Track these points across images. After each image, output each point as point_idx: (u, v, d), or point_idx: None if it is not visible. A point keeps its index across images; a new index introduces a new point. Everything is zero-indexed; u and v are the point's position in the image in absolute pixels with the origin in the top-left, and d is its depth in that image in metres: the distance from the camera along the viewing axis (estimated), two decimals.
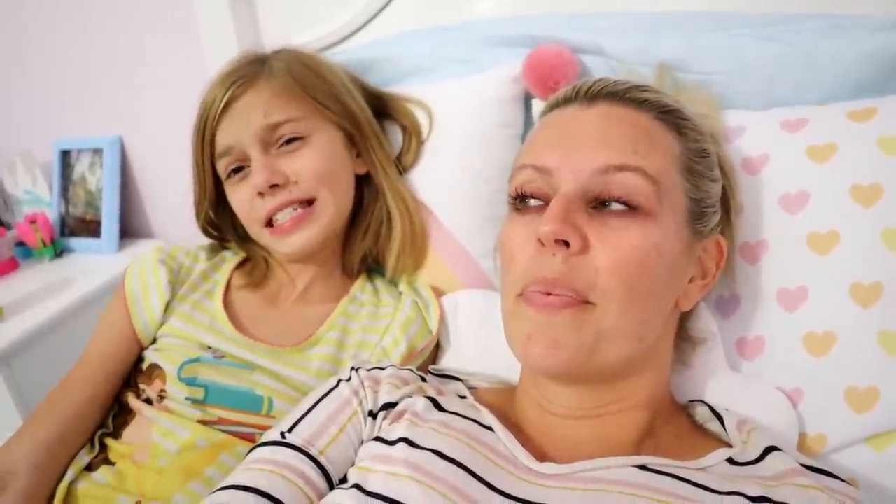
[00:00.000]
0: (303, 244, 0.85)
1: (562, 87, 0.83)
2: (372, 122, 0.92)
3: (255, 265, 0.92)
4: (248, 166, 0.83)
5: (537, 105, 0.91)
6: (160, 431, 0.76)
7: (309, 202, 0.84)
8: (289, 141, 0.83)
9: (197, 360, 0.79)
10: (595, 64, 0.88)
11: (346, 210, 0.90)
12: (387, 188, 0.92)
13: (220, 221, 0.94)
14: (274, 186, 0.82)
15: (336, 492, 0.56)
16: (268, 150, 0.82)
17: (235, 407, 0.77)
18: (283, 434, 0.62)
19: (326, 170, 0.84)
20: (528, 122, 0.93)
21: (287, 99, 0.83)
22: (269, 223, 0.85)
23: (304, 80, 0.85)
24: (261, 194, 0.82)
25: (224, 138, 0.83)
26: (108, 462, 0.77)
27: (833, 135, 0.70)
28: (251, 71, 0.84)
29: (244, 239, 0.93)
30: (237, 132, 0.82)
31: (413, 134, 0.94)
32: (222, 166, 0.85)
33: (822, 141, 0.70)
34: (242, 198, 0.84)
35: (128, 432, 0.79)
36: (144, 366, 0.82)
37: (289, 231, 0.84)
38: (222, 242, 0.97)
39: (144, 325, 0.83)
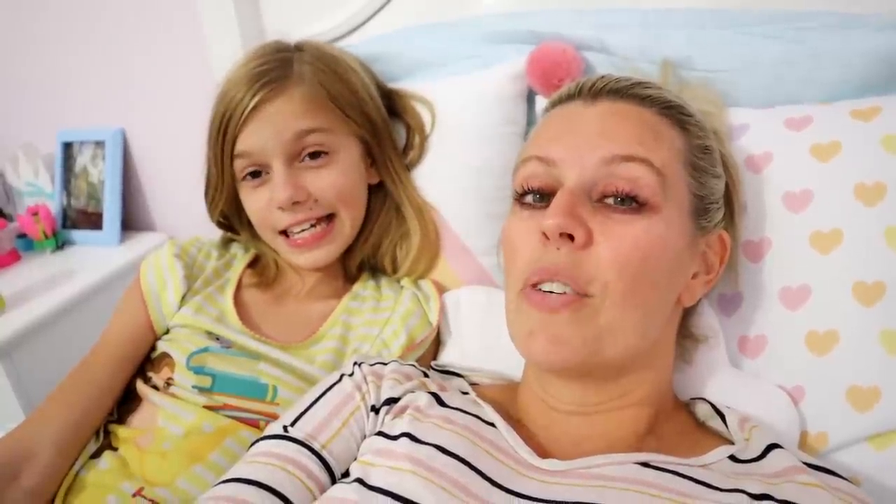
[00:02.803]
0: (322, 259, 0.86)
1: (565, 84, 0.83)
2: (390, 132, 0.92)
3: (266, 266, 0.92)
4: (267, 173, 0.83)
5: (540, 102, 0.91)
6: (165, 416, 0.77)
7: (327, 217, 0.85)
8: (313, 155, 0.83)
9: (206, 349, 0.80)
10: (599, 61, 0.87)
11: (360, 222, 0.91)
12: (404, 198, 0.92)
13: (232, 217, 0.94)
14: (295, 203, 0.82)
15: (338, 486, 0.56)
16: (292, 162, 0.82)
17: (240, 394, 0.78)
18: (285, 428, 0.62)
19: (348, 189, 0.85)
20: (530, 119, 0.93)
21: (315, 108, 0.82)
22: (284, 232, 0.85)
23: (333, 89, 0.84)
24: (281, 208, 0.82)
25: (248, 142, 0.81)
26: (111, 448, 0.77)
27: (837, 133, 0.70)
28: (280, 74, 0.82)
29: (256, 235, 0.93)
30: (263, 139, 0.81)
31: (417, 132, 0.94)
32: (238, 166, 0.84)
33: (826, 139, 0.70)
34: (258, 205, 0.85)
35: (131, 418, 0.80)
36: (154, 355, 0.83)
37: (308, 247, 0.85)
38: (233, 234, 0.97)
39: (161, 317, 0.84)
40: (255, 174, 0.84)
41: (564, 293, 0.55)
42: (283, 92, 0.81)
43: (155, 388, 0.80)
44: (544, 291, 0.56)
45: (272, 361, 0.81)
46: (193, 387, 0.77)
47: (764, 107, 0.77)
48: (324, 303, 0.90)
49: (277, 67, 0.83)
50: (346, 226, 0.87)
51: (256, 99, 0.79)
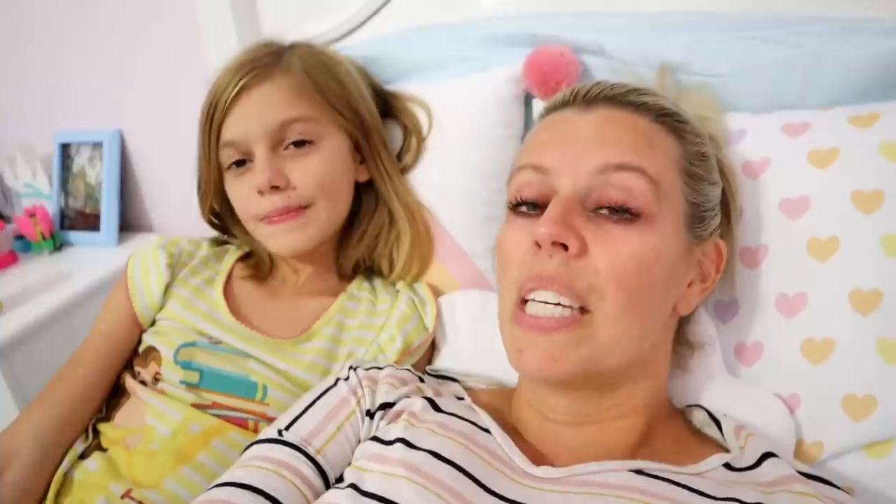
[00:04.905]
0: (298, 244, 0.84)
1: (563, 87, 0.83)
2: (380, 130, 0.91)
3: (260, 260, 0.92)
4: (251, 161, 0.82)
5: (538, 105, 0.90)
6: (154, 414, 0.76)
7: (304, 207, 0.84)
8: (297, 143, 0.82)
9: (193, 344, 0.80)
10: (596, 64, 0.87)
11: (341, 218, 0.89)
12: (394, 197, 0.91)
13: (224, 214, 0.93)
14: (274, 188, 0.81)
15: (332, 491, 0.56)
16: (275, 149, 0.81)
17: (229, 392, 0.78)
18: (280, 432, 0.62)
19: (329, 180, 0.84)
20: (528, 122, 0.93)
21: (301, 98, 0.82)
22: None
23: (320, 80, 0.84)
24: (260, 192, 0.81)
25: (232, 129, 0.81)
26: (100, 448, 0.77)
27: (835, 140, 0.69)
28: (268, 62, 0.82)
29: (248, 232, 0.92)
30: (246, 125, 0.80)
31: (414, 134, 0.94)
32: (225, 157, 0.84)
33: (824, 146, 0.70)
34: (241, 193, 0.84)
35: (120, 415, 0.80)
36: (141, 348, 0.83)
37: (281, 223, 0.83)
38: (227, 235, 0.96)
39: (144, 308, 0.84)
40: (240, 163, 0.83)
41: (559, 304, 0.55)
42: (269, 79, 0.81)
43: (143, 383, 0.80)
44: (537, 306, 0.56)
45: (262, 362, 0.81)
46: (181, 382, 0.77)
47: (762, 112, 0.77)
48: (318, 300, 0.89)
49: (266, 56, 0.83)
50: (322, 215, 0.84)
51: (241, 83, 0.79)
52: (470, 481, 0.54)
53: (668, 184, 0.58)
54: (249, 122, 0.80)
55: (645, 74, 0.80)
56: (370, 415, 0.64)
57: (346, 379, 0.67)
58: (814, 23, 0.77)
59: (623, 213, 0.56)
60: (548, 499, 0.53)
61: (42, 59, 1.45)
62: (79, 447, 0.78)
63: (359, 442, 0.63)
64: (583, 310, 0.55)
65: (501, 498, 0.53)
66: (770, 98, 0.77)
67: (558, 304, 0.55)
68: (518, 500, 0.53)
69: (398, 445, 0.57)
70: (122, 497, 0.70)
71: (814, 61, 0.75)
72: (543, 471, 0.56)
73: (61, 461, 0.76)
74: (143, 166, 1.47)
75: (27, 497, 0.73)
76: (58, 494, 0.73)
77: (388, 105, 0.96)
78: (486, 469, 0.56)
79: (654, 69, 0.81)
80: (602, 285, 0.54)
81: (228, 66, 0.82)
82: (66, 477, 0.75)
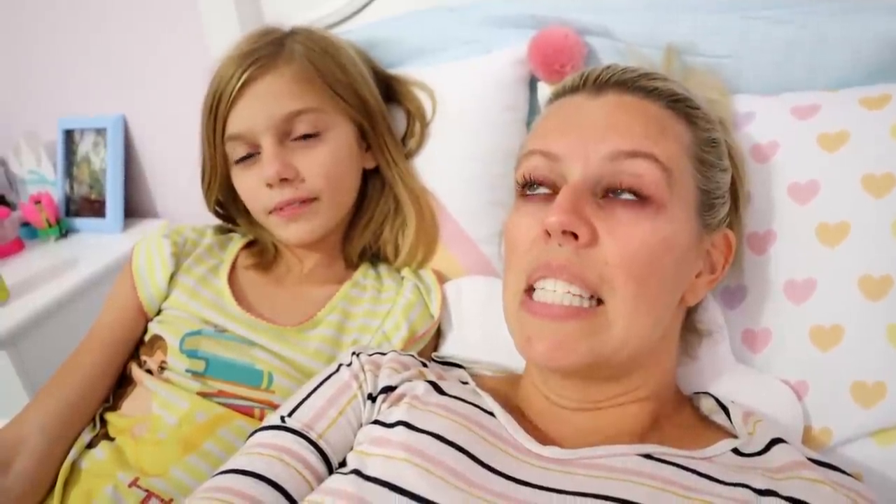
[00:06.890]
0: (306, 234, 0.85)
1: (568, 69, 0.82)
2: (385, 115, 0.90)
3: (264, 249, 0.92)
4: (258, 153, 0.82)
5: (542, 88, 0.89)
6: (160, 402, 0.77)
7: (313, 199, 0.84)
8: (304, 135, 0.82)
9: (199, 332, 0.80)
10: (602, 46, 0.86)
11: (348, 206, 0.89)
12: (399, 183, 0.91)
13: (228, 204, 0.93)
14: (283, 180, 0.81)
15: (335, 477, 0.56)
16: (282, 141, 0.81)
17: (235, 380, 0.78)
18: (282, 418, 0.62)
19: (337, 170, 0.84)
20: (532, 105, 0.92)
21: (305, 87, 0.81)
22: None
23: (324, 68, 0.83)
24: (269, 185, 0.81)
25: (238, 122, 0.81)
26: (107, 438, 0.78)
27: (845, 122, 0.68)
28: (270, 52, 0.81)
29: (253, 221, 0.92)
30: (252, 118, 0.80)
31: (418, 118, 0.93)
32: (231, 150, 0.83)
33: (834, 128, 0.68)
34: (249, 185, 0.84)
35: (127, 404, 0.80)
36: (147, 337, 0.83)
37: (290, 217, 0.83)
38: (231, 224, 0.96)
39: (150, 298, 0.84)
40: (246, 157, 0.83)
41: (569, 292, 0.54)
42: (273, 69, 0.80)
43: (149, 371, 0.80)
44: (546, 294, 0.55)
45: (267, 350, 0.81)
46: (187, 370, 0.78)
47: (770, 94, 0.75)
48: (323, 288, 0.89)
49: (268, 45, 0.82)
50: (331, 205, 0.85)
51: (246, 76, 0.79)
52: (473, 462, 0.54)
53: (679, 171, 0.57)
54: (255, 114, 0.80)
55: (651, 56, 0.79)
56: (372, 398, 0.64)
57: (349, 364, 0.67)
58: (821, 2, 0.75)
59: (634, 199, 0.55)
60: (553, 478, 0.53)
61: (45, 46, 1.45)
62: (86, 436, 0.78)
63: (361, 426, 0.63)
64: (595, 300, 0.55)
65: (507, 477, 0.53)
66: (776, 79, 0.76)
67: (567, 292, 0.55)
68: (524, 479, 0.53)
69: (400, 428, 0.57)
70: (130, 486, 0.71)
71: (822, 41, 0.73)
72: (549, 450, 0.56)
73: (69, 451, 0.76)
74: (147, 152, 1.47)
75: (35, 486, 0.73)
76: (66, 483, 0.74)
77: (391, 89, 0.95)
78: (489, 450, 0.55)
79: (659, 50, 0.80)
80: (612, 275, 0.54)
81: (230, 56, 0.82)
82: (74, 466, 0.75)
